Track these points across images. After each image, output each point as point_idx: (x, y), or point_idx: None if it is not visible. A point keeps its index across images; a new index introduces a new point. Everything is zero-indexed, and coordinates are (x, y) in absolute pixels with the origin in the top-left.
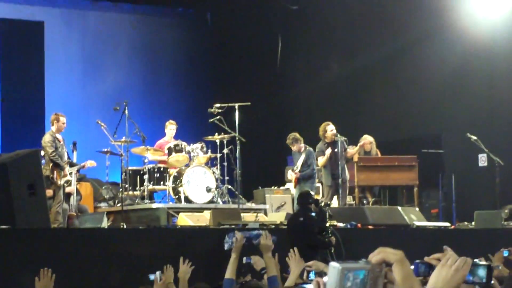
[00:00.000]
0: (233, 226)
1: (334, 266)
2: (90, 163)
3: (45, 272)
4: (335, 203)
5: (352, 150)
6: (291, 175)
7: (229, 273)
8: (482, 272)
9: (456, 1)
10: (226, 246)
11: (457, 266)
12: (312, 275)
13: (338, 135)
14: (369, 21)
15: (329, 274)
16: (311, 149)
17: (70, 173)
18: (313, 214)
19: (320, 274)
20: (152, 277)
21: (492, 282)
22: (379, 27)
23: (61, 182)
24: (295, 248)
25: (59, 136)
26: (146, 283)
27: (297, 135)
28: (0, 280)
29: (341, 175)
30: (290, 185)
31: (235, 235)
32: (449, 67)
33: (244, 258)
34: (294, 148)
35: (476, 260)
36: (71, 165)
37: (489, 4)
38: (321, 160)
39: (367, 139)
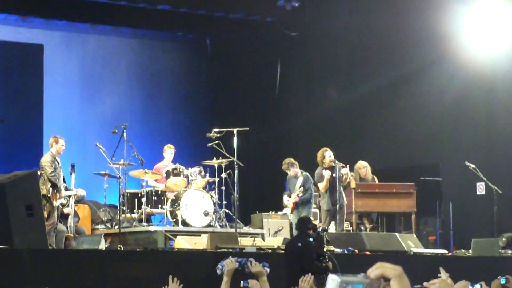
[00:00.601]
0: (231, 250)
1: (333, 279)
2: (80, 191)
3: None
4: (332, 228)
5: (345, 171)
6: (288, 200)
7: None
8: None
9: (456, 32)
10: (218, 272)
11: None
12: None
13: (336, 161)
14: (369, 50)
15: (328, 286)
16: (307, 174)
17: (65, 197)
18: (311, 239)
19: None
20: None
21: None
22: (379, 56)
23: (56, 203)
24: (312, 275)
25: (58, 159)
26: None
27: (292, 160)
28: None
29: (339, 200)
30: (287, 210)
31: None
32: (449, 97)
33: (242, 282)
34: (290, 172)
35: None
36: (65, 189)
37: (489, 35)
38: (322, 185)
39: (361, 165)
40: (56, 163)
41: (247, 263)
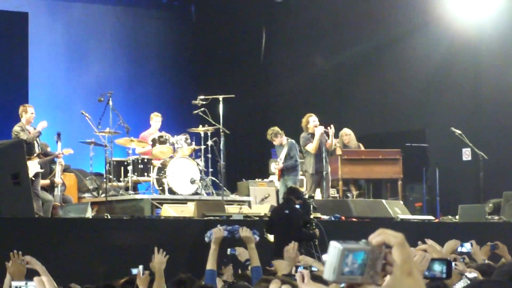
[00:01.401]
0: (217, 218)
1: (335, 246)
2: (66, 151)
3: (15, 256)
4: (318, 196)
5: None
6: (274, 167)
7: (210, 264)
8: (438, 268)
9: None
10: (206, 239)
11: (415, 261)
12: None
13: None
14: (354, 16)
15: (329, 253)
16: (293, 141)
17: (51, 165)
18: (298, 206)
19: (307, 269)
20: (134, 271)
21: (475, 275)
22: (364, 22)
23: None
24: (296, 244)
25: (29, 128)
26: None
27: (276, 128)
28: None
29: (325, 167)
30: (274, 178)
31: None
32: (435, 61)
33: (229, 250)
34: (275, 142)
35: (466, 244)
36: (46, 155)
37: None
38: (312, 146)
39: (344, 132)
40: (27, 131)
41: (237, 230)
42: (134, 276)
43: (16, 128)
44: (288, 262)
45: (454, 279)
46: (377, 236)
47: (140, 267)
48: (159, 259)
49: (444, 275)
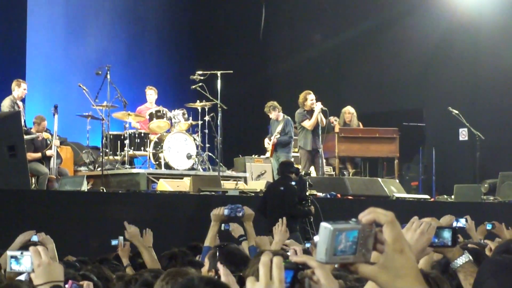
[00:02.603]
0: (213, 193)
1: (326, 227)
2: (46, 136)
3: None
4: (313, 173)
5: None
6: (268, 143)
7: (208, 240)
8: (447, 235)
9: None
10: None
11: (422, 230)
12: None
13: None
14: None
15: (320, 234)
16: (289, 118)
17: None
18: (293, 183)
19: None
20: (114, 242)
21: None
22: (363, 1)
23: None
24: (284, 218)
25: (19, 103)
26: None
27: (275, 103)
28: None
29: (319, 144)
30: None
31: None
32: (433, 41)
33: (223, 225)
34: (272, 116)
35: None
36: (26, 133)
37: None
38: (309, 123)
39: (347, 110)
40: (17, 106)
41: (240, 207)
42: (114, 248)
43: (5, 102)
44: (277, 240)
45: (456, 253)
46: (367, 215)
47: (120, 238)
48: (132, 230)
49: (449, 243)
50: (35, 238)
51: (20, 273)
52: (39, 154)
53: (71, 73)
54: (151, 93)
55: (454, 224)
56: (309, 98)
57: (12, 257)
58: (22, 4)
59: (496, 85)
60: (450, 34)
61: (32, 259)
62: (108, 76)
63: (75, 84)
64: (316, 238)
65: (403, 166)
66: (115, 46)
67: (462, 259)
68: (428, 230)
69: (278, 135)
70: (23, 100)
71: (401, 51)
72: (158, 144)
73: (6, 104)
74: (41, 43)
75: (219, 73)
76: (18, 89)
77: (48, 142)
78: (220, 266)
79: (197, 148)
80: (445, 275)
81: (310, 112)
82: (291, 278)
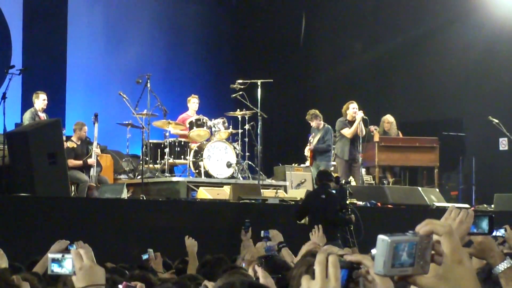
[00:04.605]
0: (253, 201)
1: (383, 239)
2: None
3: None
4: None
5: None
6: (307, 151)
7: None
8: (485, 223)
9: None
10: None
11: (461, 218)
12: None
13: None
14: (395, 3)
15: (378, 246)
16: (329, 127)
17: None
18: (334, 191)
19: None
20: (145, 256)
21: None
22: (404, 10)
23: None
24: (320, 226)
25: (41, 114)
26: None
27: (317, 111)
28: (17, 247)
29: (357, 153)
30: (308, 163)
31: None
32: (474, 51)
33: (262, 232)
34: (313, 124)
35: (501, 229)
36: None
37: None
38: (349, 131)
39: (387, 119)
40: (38, 118)
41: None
42: (145, 261)
43: (26, 114)
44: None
45: (498, 259)
46: (425, 226)
47: (150, 250)
48: (190, 242)
49: (486, 231)
50: (73, 247)
51: (61, 275)
52: (80, 162)
53: (111, 81)
54: (195, 101)
55: (494, 233)
56: (351, 107)
57: (53, 259)
58: (63, 14)
59: None
60: (491, 44)
61: (74, 261)
62: (149, 85)
63: (115, 93)
64: (373, 251)
65: (443, 175)
66: (155, 55)
67: (504, 265)
68: (467, 218)
69: (315, 143)
70: (45, 111)
71: (442, 61)
72: (198, 152)
73: (27, 116)
74: (81, 52)
75: (259, 81)
76: (38, 101)
77: (89, 150)
78: (258, 268)
79: (237, 156)
80: (488, 281)
81: (352, 121)
82: (346, 277)
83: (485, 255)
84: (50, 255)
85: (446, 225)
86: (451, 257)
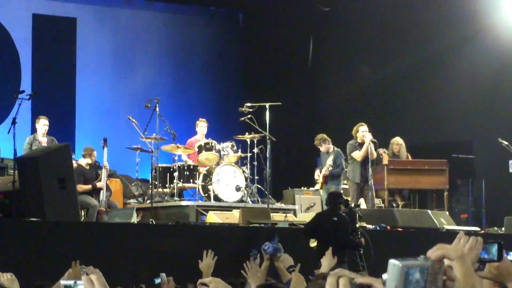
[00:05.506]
0: (263, 225)
1: (395, 264)
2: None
3: (76, 264)
4: (362, 205)
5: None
6: (318, 175)
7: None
8: (494, 249)
9: (491, 7)
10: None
11: (470, 245)
12: None
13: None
14: (403, 26)
15: (389, 271)
16: (339, 150)
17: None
18: (344, 214)
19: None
20: (158, 280)
21: None
22: (412, 32)
23: None
24: (330, 248)
25: (43, 139)
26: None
27: (325, 135)
28: (28, 272)
29: (369, 176)
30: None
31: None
32: (483, 73)
33: (252, 250)
34: (322, 148)
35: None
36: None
37: None
38: (358, 154)
39: (396, 141)
40: (37, 143)
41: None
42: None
43: (27, 140)
44: (326, 265)
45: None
46: (436, 251)
47: (163, 275)
48: (207, 262)
49: (495, 258)
50: (83, 271)
51: None
52: (89, 186)
53: (120, 106)
54: (203, 125)
55: (506, 257)
56: (361, 130)
57: (65, 286)
58: (71, 39)
59: None
60: (500, 66)
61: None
62: (157, 109)
63: (124, 117)
64: (384, 276)
65: (452, 198)
66: (163, 79)
67: None
68: (476, 245)
69: (331, 168)
70: (55, 135)
71: (451, 83)
72: (207, 176)
73: (26, 142)
74: (90, 77)
75: (267, 105)
76: (38, 126)
77: (99, 174)
78: None
79: (246, 180)
80: None
81: (362, 143)
82: None
83: (503, 279)
84: (62, 282)
85: (458, 250)
86: (464, 282)
